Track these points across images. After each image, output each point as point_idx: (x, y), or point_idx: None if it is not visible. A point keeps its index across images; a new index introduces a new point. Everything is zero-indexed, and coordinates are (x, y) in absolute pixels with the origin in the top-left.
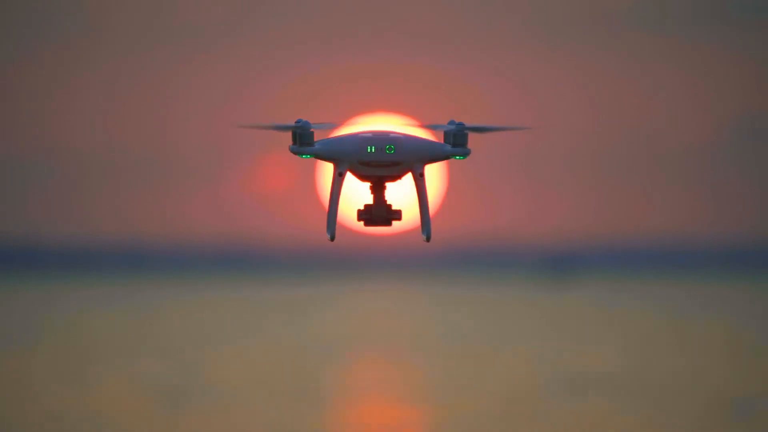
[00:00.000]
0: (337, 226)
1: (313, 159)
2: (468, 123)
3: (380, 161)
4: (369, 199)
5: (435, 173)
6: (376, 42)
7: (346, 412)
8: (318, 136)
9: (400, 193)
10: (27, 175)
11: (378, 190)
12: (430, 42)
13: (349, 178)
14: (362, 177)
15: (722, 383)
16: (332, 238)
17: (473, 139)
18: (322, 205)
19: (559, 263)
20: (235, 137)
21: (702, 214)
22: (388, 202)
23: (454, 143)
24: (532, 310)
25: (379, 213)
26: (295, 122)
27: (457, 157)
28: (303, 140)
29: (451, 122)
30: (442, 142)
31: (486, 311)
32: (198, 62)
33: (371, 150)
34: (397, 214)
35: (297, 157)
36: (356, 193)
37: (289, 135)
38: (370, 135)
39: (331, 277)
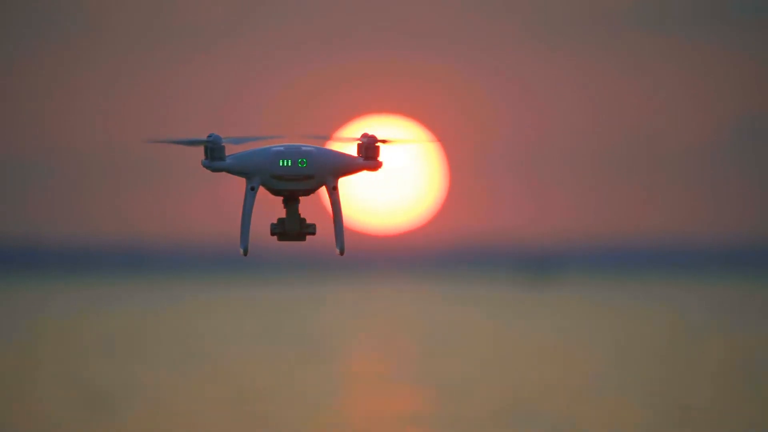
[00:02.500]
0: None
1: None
2: (380, 136)
3: (293, 175)
4: (282, 213)
5: (435, 174)
6: (375, 43)
7: (346, 410)
8: (230, 150)
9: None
10: (27, 175)
11: (291, 204)
12: (430, 42)
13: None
14: (275, 191)
15: (722, 383)
16: (245, 253)
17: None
18: (322, 206)
19: (546, 262)
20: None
21: (702, 214)
22: (301, 216)
23: (366, 156)
24: (531, 309)
25: (292, 227)
26: (207, 136)
27: (369, 171)
28: (214, 155)
29: (365, 135)
30: (355, 155)
31: (485, 310)
32: (198, 62)
33: (284, 164)
34: (311, 228)
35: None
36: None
37: (200, 150)
38: (282, 148)
39: (331, 277)
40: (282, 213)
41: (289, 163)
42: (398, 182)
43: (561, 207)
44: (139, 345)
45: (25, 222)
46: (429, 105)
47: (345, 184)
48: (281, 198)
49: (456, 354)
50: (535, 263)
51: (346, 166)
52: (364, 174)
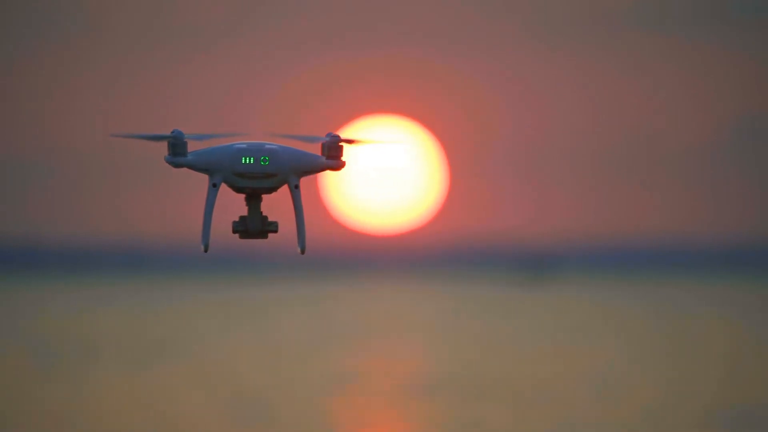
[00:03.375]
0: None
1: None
2: (344, 136)
3: (255, 173)
4: (245, 210)
5: (435, 175)
6: (375, 42)
7: (346, 410)
8: (194, 146)
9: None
10: (27, 175)
11: (253, 201)
12: (430, 42)
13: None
14: (237, 188)
15: (722, 383)
16: (206, 250)
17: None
18: (323, 206)
19: (542, 262)
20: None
21: (702, 214)
22: (263, 214)
23: (329, 155)
24: (531, 310)
25: (254, 225)
26: (171, 132)
27: (332, 170)
28: (176, 150)
29: (329, 134)
30: (319, 154)
31: (485, 310)
32: (198, 62)
33: (246, 161)
34: (273, 226)
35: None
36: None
37: (164, 145)
38: (244, 146)
39: (331, 277)
40: (244, 211)
41: (251, 161)
42: (399, 183)
43: (561, 207)
44: (139, 345)
45: (25, 222)
46: (429, 105)
47: (345, 184)
48: (243, 195)
49: (456, 353)
50: (532, 263)
51: (309, 164)
52: (365, 174)
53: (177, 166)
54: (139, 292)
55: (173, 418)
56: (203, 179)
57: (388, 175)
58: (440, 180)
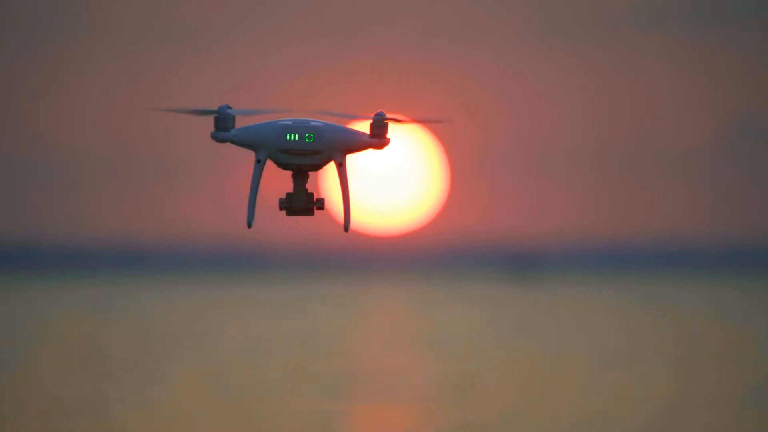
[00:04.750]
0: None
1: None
2: (389, 115)
3: (300, 149)
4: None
5: (437, 173)
6: (375, 41)
7: (345, 410)
8: (242, 122)
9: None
10: (27, 175)
11: (299, 178)
12: (431, 42)
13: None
14: (283, 165)
15: (722, 383)
16: (249, 225)
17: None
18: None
19: (532, 261)
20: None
21: (702, 214)
22: (309, 191)
23: (372, 134)
24: (531, 309)
25: (300, 202)
26: (218, 107)
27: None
28: (219, 125)
29: (378, 113)
30: (363, 132)
31: (484, 310)
32: (198, 62)
33: (291, 138)
34: (319, 203)
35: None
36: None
37: (205, 147)
38: (290, 123)
39: (330, 277)
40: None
41: (296, 138)
42: (400, 183)
43: (561, 207)
44: (139, 345)
45: (25, 222)
46: (429, 105)
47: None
48: (291, 172)
49: (456, 354)
50: (519, 262)
51: (353, 142)
52: (365, 173)
53: (221, 140)
54: (139, 292)
55: (173, 418)
56: (204, 179)
57: (388, 175)
58: (441, 180)
